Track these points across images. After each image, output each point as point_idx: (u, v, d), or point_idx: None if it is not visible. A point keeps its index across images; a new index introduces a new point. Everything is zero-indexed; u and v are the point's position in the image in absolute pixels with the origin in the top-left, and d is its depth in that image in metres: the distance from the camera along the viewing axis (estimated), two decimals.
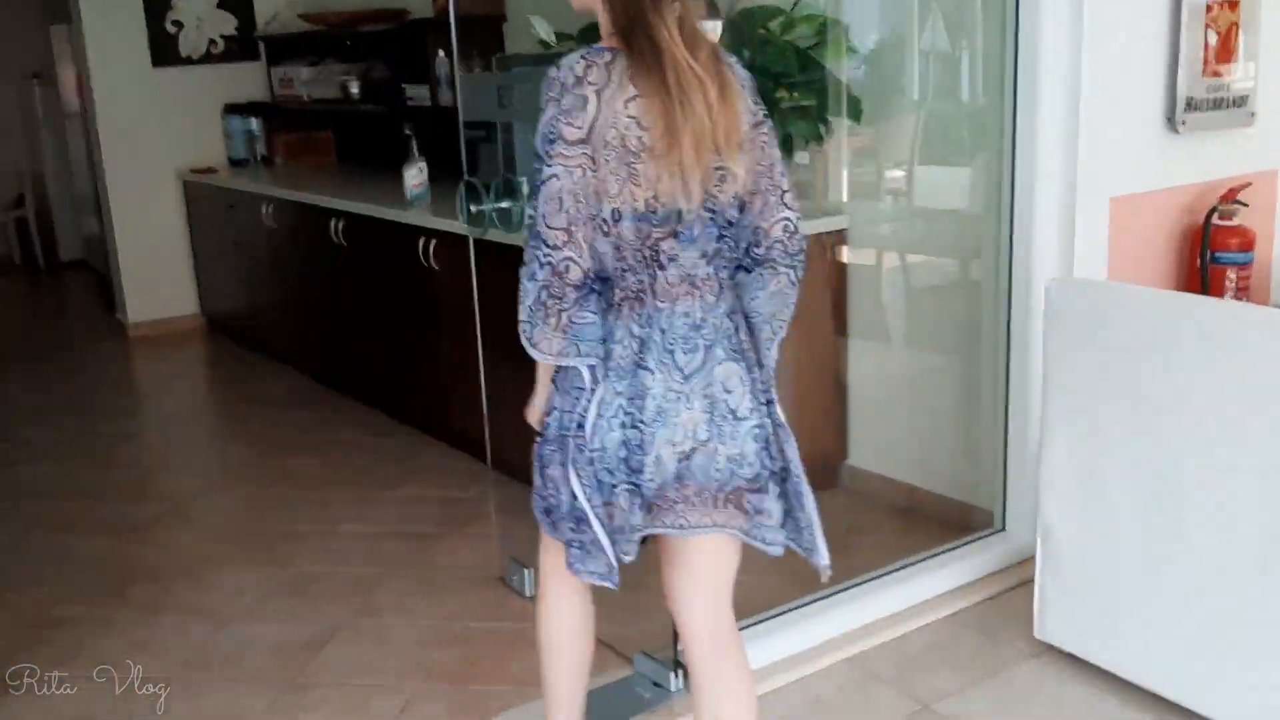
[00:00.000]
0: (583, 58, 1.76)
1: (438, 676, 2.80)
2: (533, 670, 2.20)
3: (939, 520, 3.46)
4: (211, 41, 6.50)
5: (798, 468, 1.90)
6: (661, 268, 1.80)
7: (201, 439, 5.10)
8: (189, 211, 6.49)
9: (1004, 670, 2.71)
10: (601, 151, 1.74)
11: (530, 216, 1.80)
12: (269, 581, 3.37)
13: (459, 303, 3.66)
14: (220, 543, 3.71)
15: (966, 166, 3.62)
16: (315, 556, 3.54)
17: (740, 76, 1.87)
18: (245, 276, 5.96)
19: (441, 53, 4.79)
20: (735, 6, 3.39)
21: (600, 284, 1.82)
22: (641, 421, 1.80)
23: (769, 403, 1.89)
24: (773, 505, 1.88)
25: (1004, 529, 3.25)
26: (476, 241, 3.24)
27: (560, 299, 1.77)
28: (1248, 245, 3.21)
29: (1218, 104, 3.17)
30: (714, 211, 1.82)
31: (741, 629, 2.06)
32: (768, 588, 2.76)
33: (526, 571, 3.17)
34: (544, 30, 3.49)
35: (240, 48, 6.57)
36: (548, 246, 1.75)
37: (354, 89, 5.62)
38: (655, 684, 2.64)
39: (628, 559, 1.85)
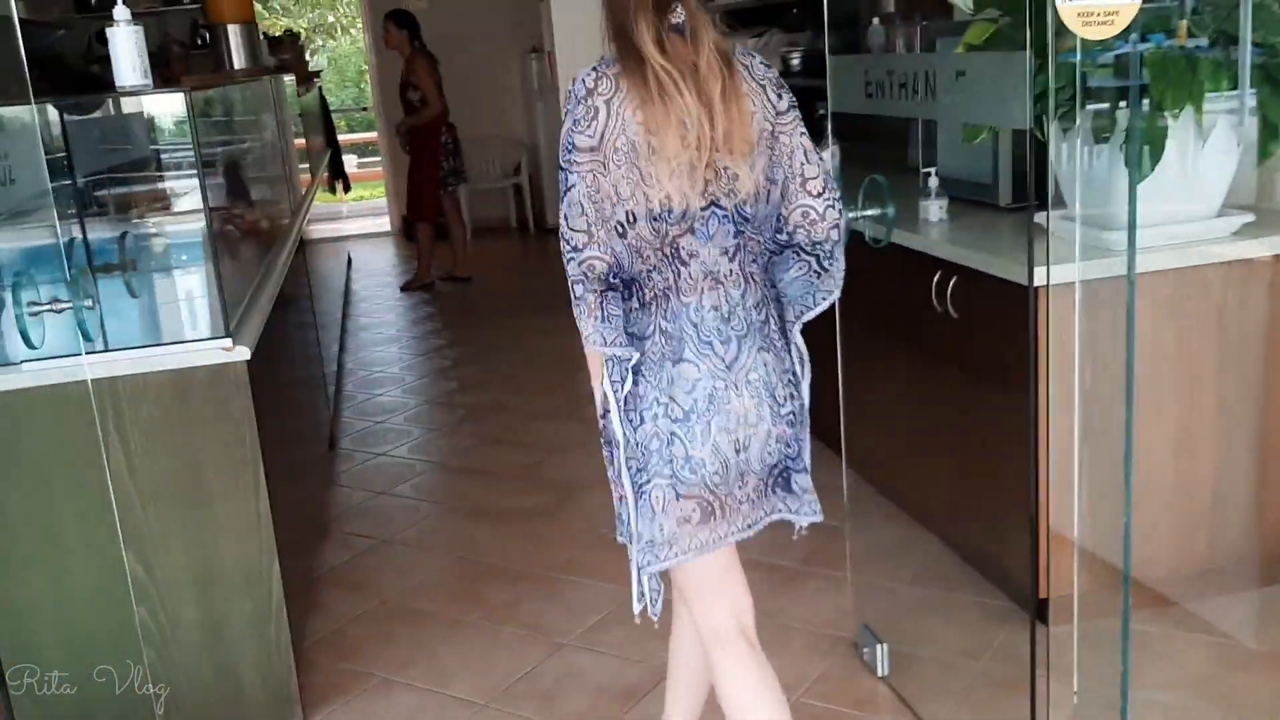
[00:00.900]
0: (593, 70, 1.85)
1: None
2: None
3: None
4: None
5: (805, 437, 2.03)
6: (684, 264, 1.88)
7: None
8: None
9: None
10: (613, 157, 1.83)
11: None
12: (611, 603, 3.16)
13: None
14: (584, 548, 3.57)
15: None
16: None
17: (757, 74, 1.92)
18: None
19: (876, 20, 4.28)
20: None
21: (629, 284, 1.90)
22: (691, 412, 1.89)
23: (797, 384, 2.00)
24: (808, 477, 2.04)
25: None
26: None
27: (597, 293, 1.87)
28: None
29: None
30: (725, 209, 1.88)
31: None
32: None
33: (880, 647, 2.70)
34: None
35: None
36: (571, 248, 1.86)
37: (794, 61, 5.25)
38: None
39: (660, 564, 1.94)
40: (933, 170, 3.21)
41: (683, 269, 1.88)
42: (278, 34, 7.88)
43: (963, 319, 2.92)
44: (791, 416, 1.97)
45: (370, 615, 3.24)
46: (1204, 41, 2.48)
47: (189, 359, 2.48)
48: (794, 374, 1.99)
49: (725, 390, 1.88)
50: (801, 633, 2.96)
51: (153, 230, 2.59)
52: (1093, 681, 2.21)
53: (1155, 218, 2.51)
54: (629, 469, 1.93)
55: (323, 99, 8.67)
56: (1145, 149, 2.44)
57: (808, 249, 1.95)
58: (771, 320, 1.95)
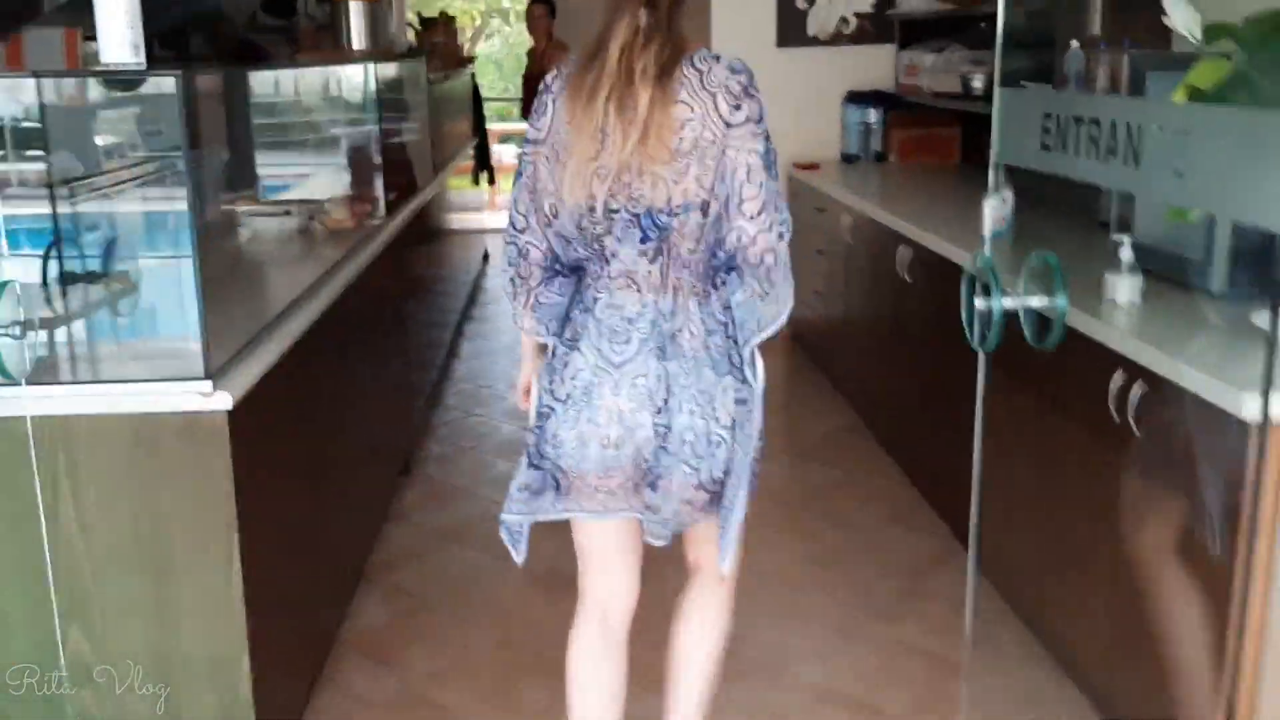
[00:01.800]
0: (557, 68, 1.96)
1: None
2: None
3: None
4: (843, 20, 5.78)
5: (740, 468, 1.97)
6: (607, 262, 1.95)
7: None
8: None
9: None
10: (557, 151, 1.92)
11: None
12: None
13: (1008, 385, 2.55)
14: (650, 646, 3.01)
15: None
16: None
17: (711, 81, 1.87)
18: (823, 290, 5.22)
19: (1076, 44, 3.58)
20: None
21: (570, 270, 2.00)
22: (569, 398, 1.96)
23: (742, 401, 1.97)
24: (670, 502, 1.99)
25: None
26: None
27: (526, 279, 2.01)
28: None
29: None
30: (634, 214, 1.89)
31: None
32: None
33: None
34: (1184, 19, 2.22)
35: (874, 27, 5.77)
36: (514, 230, 2.00)
37: (976, 83, 4.56)
38: None
39: (513, 528, 2.08)
40: (1126, 240, 2.53)
41: (605, 266, 1.95)
42: (432, 15, 7.54)
43: (1149, 438, 2.25)
44: (723, 435, 1.96)
45: (383, 702, 2.75)
46: None
47: (158, 402, 2.04)
48: (730, 393, 1.96)
49: (600, 387, 1.94)
50: None
51: (136, 235, 2.15)
52: None
53: None
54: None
55: (475, 86, 8.33)
56: None
57: (749, 273, 1.92)
58: (697, 334, 1.94)
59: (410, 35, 7.10)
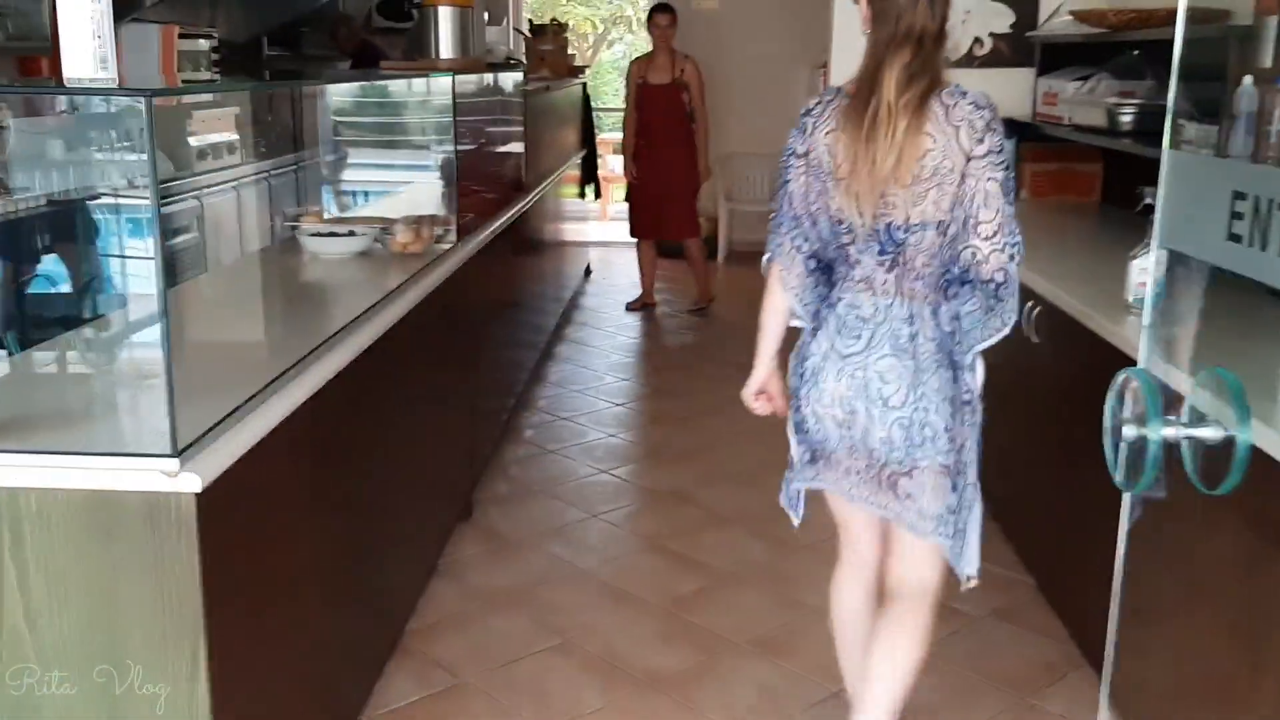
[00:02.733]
0: (818, 99, 2.25)
1: None
2: None
3: None
4: (976, 40, 5.27)
5: (973, 475, 2.22)
6: (851, 266, 2.21)
7: None
8: None
9: None
10: (813, 167, 2.21)
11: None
12: None
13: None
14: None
15: None
16: None
17: (956, 116, 2.08)
18: None
19: (1249, 79, 3.06)
20: None
21: (825, 269, 2.27)
22: (806, 379, 2.24)
23: (966, 402, 2.19)
24: (923, 494, 2.18)
25: None
26: None
27: (789, 268, 2.28)
28: None
29: None
30: (877, 229, 2.14)
31: None
32: None
33: None
34: None
35: (1010, 49, 5.26)
36: (782, 231, 2.28)
37: (1124, 117, 4.04)
38: None
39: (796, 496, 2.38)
40: None
41: (850, 270, 2.21)
42: (543, 23, 7.25)
43: None
44: (902, 421, 2.15)
45: None
46: None
47: (116, 480, 1.72)
48: (949, 396, 2.16)
49: (824, 372, 2.20)
50: None
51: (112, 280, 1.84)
52: None
53: None
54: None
55: (585, 96, 8.02)
56: None
57: (980, 288, 2.11)
58: (932, 337, 2.15)
59: (520, 43, 6.83)
